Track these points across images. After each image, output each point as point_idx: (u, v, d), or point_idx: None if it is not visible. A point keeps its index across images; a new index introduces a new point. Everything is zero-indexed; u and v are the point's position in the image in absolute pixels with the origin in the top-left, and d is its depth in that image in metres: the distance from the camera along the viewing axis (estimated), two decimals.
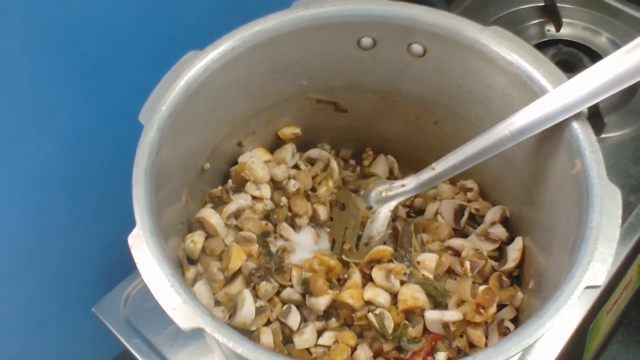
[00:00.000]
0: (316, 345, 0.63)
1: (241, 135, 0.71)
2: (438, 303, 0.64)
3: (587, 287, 0.48)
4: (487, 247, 0.68)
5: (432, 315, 0.62)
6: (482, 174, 0.72)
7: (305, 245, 0.69)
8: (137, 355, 0.74)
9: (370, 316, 0.61)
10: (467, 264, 0.65)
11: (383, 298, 0.63)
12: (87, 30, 0.68)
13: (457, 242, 0.69)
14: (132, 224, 0.50)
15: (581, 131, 0.55)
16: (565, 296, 0.47)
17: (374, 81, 0.70)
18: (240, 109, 0.68)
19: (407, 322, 0.62)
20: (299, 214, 0.70)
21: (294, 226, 0.70)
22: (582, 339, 0.81)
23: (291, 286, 0.65)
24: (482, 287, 0.62)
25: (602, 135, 0.90)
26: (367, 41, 0.66)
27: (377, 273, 0.64)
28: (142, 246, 0.49)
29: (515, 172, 0.66)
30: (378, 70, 0.68)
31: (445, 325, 0.61)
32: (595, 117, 0.88)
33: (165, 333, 0.75)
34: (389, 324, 0.61)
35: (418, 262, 0.66)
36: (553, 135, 0.58)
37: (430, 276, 0.65)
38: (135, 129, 0.56)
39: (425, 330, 0.62)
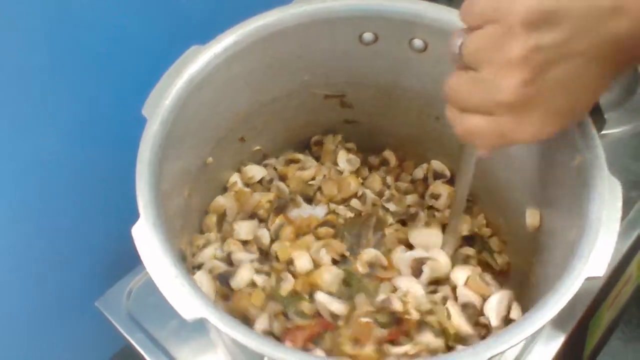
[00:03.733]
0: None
1: (244, 130, 0.71)
2: (351, 296, 0.64)
3: (588, 278, 0.48)
4: None
5: (321, 297, 0.62)
6: (484, 171, 0.72)
7: None
8: (140, 350, 0.74)
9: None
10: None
11: (301, 262, 0.65)
12: (91, 25, 0.68)
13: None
14: (135, 219, 0.51)
15: (581, 124, 0.56)
16: (566, 287, 0.47)
17: (376, 76, 0.70)
18: (243, 103, 0.68)
19: (306, 297, 0.63)
20: None
21: None
22: (583, 334, 0.82)
23: None
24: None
25: (603, 132, 0.90)
26: (368, 36, 0.66)
27: (316, 243, 0.67)
28: (146, 237, 0.49)
29: (516, 165, 0.66)
30: (380, 66, 0.69)
31: (334, 316, 0.61)
32: (596, 114, 0.88)
33: (169, 327, 0.75)
34: (286, 287, 0.63)
35: (359, 254, 0.68)
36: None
37: (360, 270, 0.66)
38: (139, 123, 0.56)
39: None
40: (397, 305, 0.60)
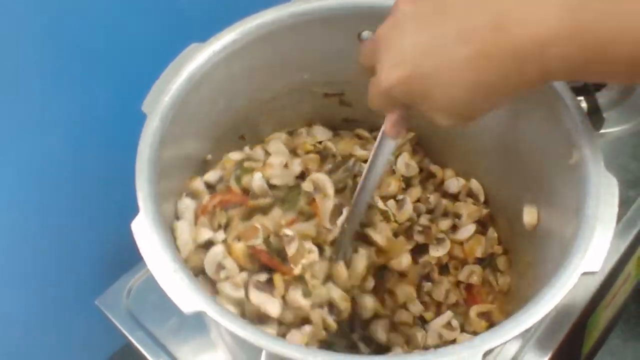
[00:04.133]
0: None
1: (243, 128, 0.72)
2: None
3: (584, 274, 0.48)
4: None
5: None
6: (481, 166, 0.73)
7: None
8: (140, 348, 0.74)
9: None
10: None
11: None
12: (91, 23, 0.68)
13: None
14: (135, 216, 0.51)
15: (579, 122, 0.56)
16: (562, 282, 0.48)
17: None
18: (242, 101, 0.68)
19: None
20: None
21: None
22: (581, 332, 0.82)
23: None
24: None
25: (602, 131, 0.91)
26: (367, 34, 0.66)
27: None
28: (145, 232, 0.50)
29: (513, 163, 0.66)
30: None
31: None
32: (594, 113, 0.89)
33: (169, 325, 0.75)
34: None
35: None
36: (551, 127, 0.58)
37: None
38: (138, 121, 0.56)
39: None
40: None
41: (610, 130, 0.91)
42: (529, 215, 0.65)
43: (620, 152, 0.89)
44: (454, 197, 0.76)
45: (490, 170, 0.72)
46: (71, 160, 0.76)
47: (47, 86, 0.68)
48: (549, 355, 0.73)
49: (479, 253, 0.71)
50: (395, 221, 0.71)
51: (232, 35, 0.62)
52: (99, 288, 0.78)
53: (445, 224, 0.72)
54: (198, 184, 0.65)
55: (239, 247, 0.60)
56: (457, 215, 0.73)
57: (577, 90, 0.87)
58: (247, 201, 0.64)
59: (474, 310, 0.67)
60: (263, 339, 0.45)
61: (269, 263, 0.60)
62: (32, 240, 0.79)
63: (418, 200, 0.74)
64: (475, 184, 0.74)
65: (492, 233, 0.72)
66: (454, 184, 0.76)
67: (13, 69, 0.64)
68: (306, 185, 0.65)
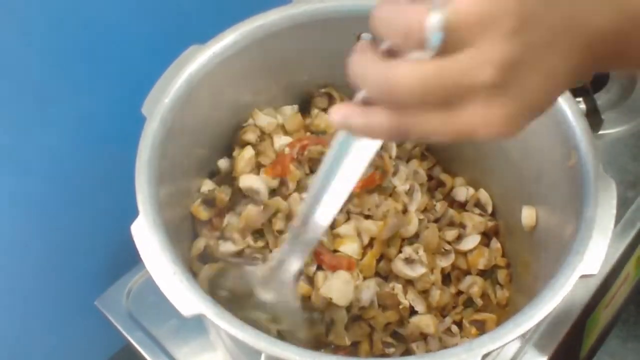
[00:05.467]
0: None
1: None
2: None
3: (582, 276, 0.49)
4: None
5: None
6: (479, 168, 0.73)
7: None
8: (139, 349, 0.74)
9: None
10: None
11: None
12: (90, 24, 0.68)
13: None
14: (134, 218, 0.51)
15: (577, 124, 0.56)
16: (560, 284, 0.48)
17: None
18: (242, 103, 0.69)
19: None
20: None
21: None
22: (580, 333, 0.82)
23: None
24: None
25: (600, 132, 0.91)
26: (367, 37, 0.66)
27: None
28: (145, 234, 0.50)
29: (512, 165, 0.67)
30: None
31: None
32: (593, 114, 0.89)
33: (168, 326, 0.75)
34: None
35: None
36: (550, 129, 0.58)
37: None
38: (138, 122, 0.57)
39: None
40: None
41: (609, 131, 0.91)
42: (528, 218, 0.65)
43: (619, 153, 0.90)
44: (461, 206, 0.74)
45: (494, 176, 0.72)
46: (71, 161, 0.76)
47: (47, 88, 0.68)
48: (548, 356, 0.73)
49: (481, 265, 0.69)
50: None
51: (232, 37, 0.62)
52: (98, 289, 0.78)
53: (451, 234, 0.70)
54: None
55: None
56: (462, 225, 0.71)
57: (576, 92, 0.87)
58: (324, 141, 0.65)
59: (468, 315, 0.67)
60: (262, 341, 0.45)
61: None
62: (32, 240, 0.79)
63: (425, 209, 0.72)
64: (484, 195, 0.73)
65: (494, 244, 0.71)
66: (463, 192, 0.74)
67: (13, 68, 0.64)
68: None
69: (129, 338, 0.75)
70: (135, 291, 0.79)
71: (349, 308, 0.63)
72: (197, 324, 0.75)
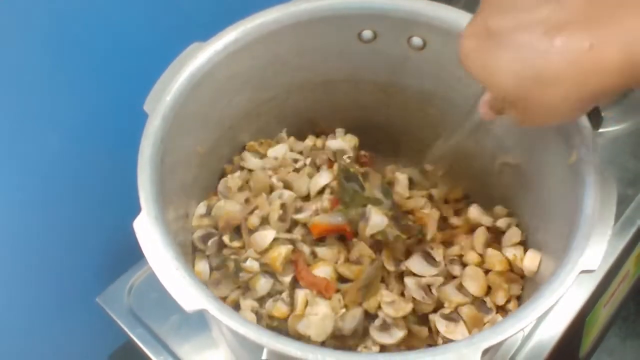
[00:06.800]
0: None
1: (244, 127, 0.72)
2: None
3: (582, 272, 0.49)
4: None
5: None
6: (479, 164, 0.73)
7: None
8: (141, 345, 0.75)
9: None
10: None
11: None
12: (92, 22, 0.68)
13: None
14: (136, 214, 0.51)
15: (577, 122, 0.56)
16: (560, 280, 0.48)
17: (375, 74, 0.71)
18: (243, 100, 0.69)
19: None
20: None
21: None
22: (579, 331, 0.82)
23: None
24: None
25: (601, 130, 0.91)
26: (367, 34, 0.67)
27: None
28: (147, 231, 0.50)
29: (511, 165, 0.67)
30: (378, 63, 0.69)
31: None
32: (593, 112, 0.89)
33: (170, 323, 0.75)
34: None
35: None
36: (550, 126, 0.59)
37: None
38: (140, 120, 0.57)
39: None
40: None
41: (609, 129, 0.92)
42: (531, 258, 0.64)
43: (619, 151, 0.90)
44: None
45: (488, 171, 0.72)
46: (73, 159, 0.76)
47: (49, 85, 0.69)
48: (547, 353, 0.74)
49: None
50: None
51: (233, 35, 0.62)
52: (100, 286, 0.78)
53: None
54: None
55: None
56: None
57: None
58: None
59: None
60: (264, 336, 0.45)
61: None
62: (33, 237, 0.79)
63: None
64: (476, 211, 0.70)
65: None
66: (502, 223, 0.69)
67: (14, 68, 0.64)
68: None
69: (131, 335, 0.75)
70: (136, 288, 0.79)
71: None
72: (199, 321, 0.75)
